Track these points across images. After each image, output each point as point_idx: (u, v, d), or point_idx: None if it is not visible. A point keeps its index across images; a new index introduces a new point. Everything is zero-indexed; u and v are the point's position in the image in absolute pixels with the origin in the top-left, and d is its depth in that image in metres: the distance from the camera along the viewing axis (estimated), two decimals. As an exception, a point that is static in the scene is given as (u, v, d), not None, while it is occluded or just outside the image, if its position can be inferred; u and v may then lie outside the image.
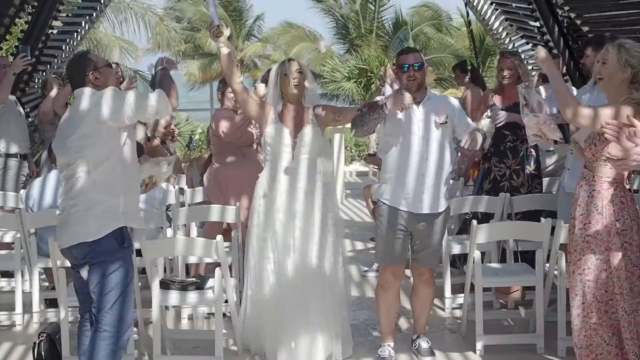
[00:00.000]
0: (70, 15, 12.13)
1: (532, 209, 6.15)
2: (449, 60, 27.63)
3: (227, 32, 4.97)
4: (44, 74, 11.24)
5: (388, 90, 8.05)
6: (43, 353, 5.06)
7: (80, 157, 4.21)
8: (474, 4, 13.27)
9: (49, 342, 5.09)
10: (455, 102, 5.26)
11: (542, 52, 4.31)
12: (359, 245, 8.55)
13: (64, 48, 12.11)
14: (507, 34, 12.82)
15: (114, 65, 5.00)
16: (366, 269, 7.44)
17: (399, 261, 5.12)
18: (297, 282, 5.07)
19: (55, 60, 11.90)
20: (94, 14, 12.83)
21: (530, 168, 6.38)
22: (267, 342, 5.18)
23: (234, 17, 33.66)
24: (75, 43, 12.79)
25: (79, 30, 12.51)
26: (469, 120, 5.28)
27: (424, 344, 5.29)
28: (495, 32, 13.21)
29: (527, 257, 5.89)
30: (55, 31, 11.50)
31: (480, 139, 5.02)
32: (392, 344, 5.25)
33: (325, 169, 5.31)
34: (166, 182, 6.87)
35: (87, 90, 4.29)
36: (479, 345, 5.30)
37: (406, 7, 32.59)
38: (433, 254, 5.19)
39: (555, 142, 4.75)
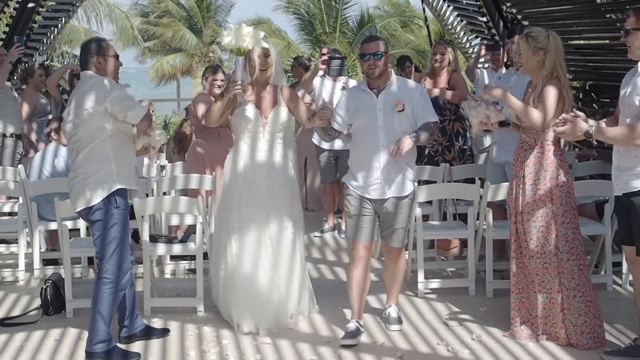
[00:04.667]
0: (49, 10, 12.87)
1: (468, 177, 7.13)
2: (410, 55, 28.59)
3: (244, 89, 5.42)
4: (27, 65, 12.03)
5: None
6: (49, 297, 5.90)
7: (77, 133, 4.99)
8: (430, 1, 14.14)
9: (54, 288, 5.93)
10: (418, 87, 5.47)
11: (496, 91, 5.16)
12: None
13: (44, 41, 12.88)
14: (460, 28, 13.74)
15: None
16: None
17: (365, 238, 5.32)
18: (261, 249, 5.50)
19: (37, 52, 12.66)
20: (71, 10, 13.59)
21: (459, 144, 7.42)
22: (235, 307, 5.54)
23: (203, 13, 34.39)
24: (53, 37, 13.56)
25: (58, 24, 13.26)
26: (429, 108, 5.36)
27: (393, 313, 5.54)
28: (450, 26, 14.08)
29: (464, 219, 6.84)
30: (36, 25, 12.27)
31: (410, 142, 5.09)
32: (361, 321, 5.41)
33: (290, 147, 5.77)
34: (147, 157, 7.75)
35: (88, 77, 5.00)
36: (420, 289, 6.24)
37: (373, 4, 33.42)
38: (397, 234, 5.37)
39: (501, 124, 5.38)
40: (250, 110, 5.54)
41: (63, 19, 13.28)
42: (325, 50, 10.06)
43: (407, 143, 5.08)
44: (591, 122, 4.69)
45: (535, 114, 5.06)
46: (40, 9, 12.12)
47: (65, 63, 26.04)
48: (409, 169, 5.33)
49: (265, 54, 5.53)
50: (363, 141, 5.28)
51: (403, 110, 5.18)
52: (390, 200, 5.29)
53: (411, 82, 5.61)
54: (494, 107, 5.25)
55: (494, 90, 5.18)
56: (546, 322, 5.19)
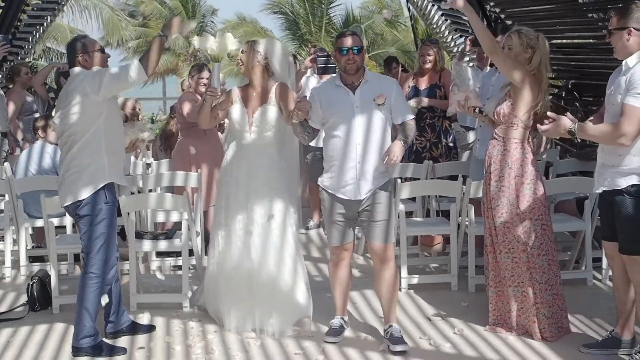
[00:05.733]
0: (35, 9, 12.89)
1: (452, 174, 7.22)
2: (396, 55, 28.70)
3: (222, 97, 5.43)
4: (12, 63, 12.04)
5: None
6: (35, 293, 5.95)
7: (69, 127, 5.06)
8: (415, 0, 14.24)
9: (40, 284, 5.98)
10: (394, 83, 5.33)
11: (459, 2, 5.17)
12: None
13: (30, 40, 12.89)
14: (445, 27, 13.85)
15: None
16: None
17: (345, 240, 5.22)
18: (243, 247, 5.45)
19: (22, 51, 12.67)
20: (57, 8, 13.61)
21: (446, 141, 7.51)
22: (220, 304, 5.58)
23: (188, 11, 34.35)
24: (38, 35, 13.57)
25: (43, 23, 13.27)
26: (406, 105, 5.34)
27: (395, 332, 5.19)
28: (434, 25, 14.19)
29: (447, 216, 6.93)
30: (22, 24, 12.28)
31: (402, 148, 4.97)
32: (345, 317, 5.42)
33: (286, 148, 5.60)
34: (134, 155, 7.83)
35: (77, 70, 5.09)
36: (404, 284, 6.31)
37: (358, 4, 33.70)
38: (382, 228, 5.12)
39: (474, 110, 5.63)
40: (236, 109, 5.50)
41: (49, 17, 13.29)
42: (313, 49, 10.25)
43: (399, 149, 4.94)
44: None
45: (498, 47, 5.12)
46: (25, 7, 12.14)
47: (49, 60, 26.03)
48: (384, 167, 5.10)
49: (244, 49, 5.50)
50: (338, 139, 5.10)
51: (383, 104, 5.05)
52: (368, 197, 5.10)
53: (386, 78, 5.48)
54: (475, 93, 5.38)
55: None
56: (520, 315, 5.30)
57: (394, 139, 5.10)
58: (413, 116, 5.29)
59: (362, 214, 5.17)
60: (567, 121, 4.71)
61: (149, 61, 4.93)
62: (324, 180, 5.20)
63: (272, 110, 5.46)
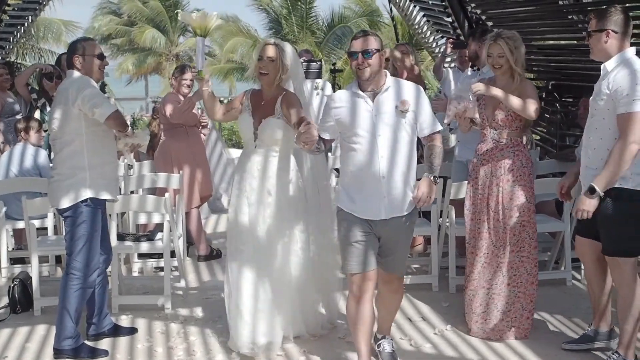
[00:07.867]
0: (16, 9, 12.84)
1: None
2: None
3: (207, 76, 5.08)
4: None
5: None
6: (16, 295, 5.95)
7: (54, 131, 5.08)
8: (397, 1, 14.29)
9: (22, 286, 5.98)
10: (418, 88, 4.65)
11: (479, 86, 5.17)
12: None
13: (11, 40, 12.86)
14: (427, 28, 13.91)
15: None
16: None
17: (368, 267, 4.54)
18: (252, 264, 5.13)
19: (3, 51, 12.63)
20: (38, 8, 13.57)
21: None
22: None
23: (170, 13, 34.33)
24: (19, 35, 13.52)
25: (24, 23, 13.23)
26: (433, 115, 4.65)
27: (387, 347, 4.94)
28: (416, 26, 14.24)
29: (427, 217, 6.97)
30: (2, 24, 12.23)
31: (431, 185, 4.49)
32: None
33: (306, 158, 5.32)
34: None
35: (70, 74, 5.08)
36: (385, 285, 6.34)
37: (341, 3, 33.82)
38: (399, 260, 4.71)
39: (472, 121, 5.54)
40: (244, 118, 5.15)
41: (30, 17, 13.24)
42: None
43: (427, 186, 4.48)
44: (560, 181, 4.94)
45: (532, 105, 5.13)
46: (6, 8, 12.10)
47: (35, 59, 25.95)
48: (410, 181, 4.56)
49: (271, 57, 5.04)
50: (358, 152, 4.50)
51: (407, 110, 4.47)
52: (393, 221, 4.53)
53: (410, 84, 4.67)
54: (475, 104, 5.36)
55: (476, 85, 5.20)
56: (485, 314, 5.39)
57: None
58: (441, 128, 4.69)
59: (384, 242, 4.61)
60: (589, 197, 4.60)
61: (116, 115, 4.97)
62: (342, 198, 4.61)
63: (277, 124, 5.07)
